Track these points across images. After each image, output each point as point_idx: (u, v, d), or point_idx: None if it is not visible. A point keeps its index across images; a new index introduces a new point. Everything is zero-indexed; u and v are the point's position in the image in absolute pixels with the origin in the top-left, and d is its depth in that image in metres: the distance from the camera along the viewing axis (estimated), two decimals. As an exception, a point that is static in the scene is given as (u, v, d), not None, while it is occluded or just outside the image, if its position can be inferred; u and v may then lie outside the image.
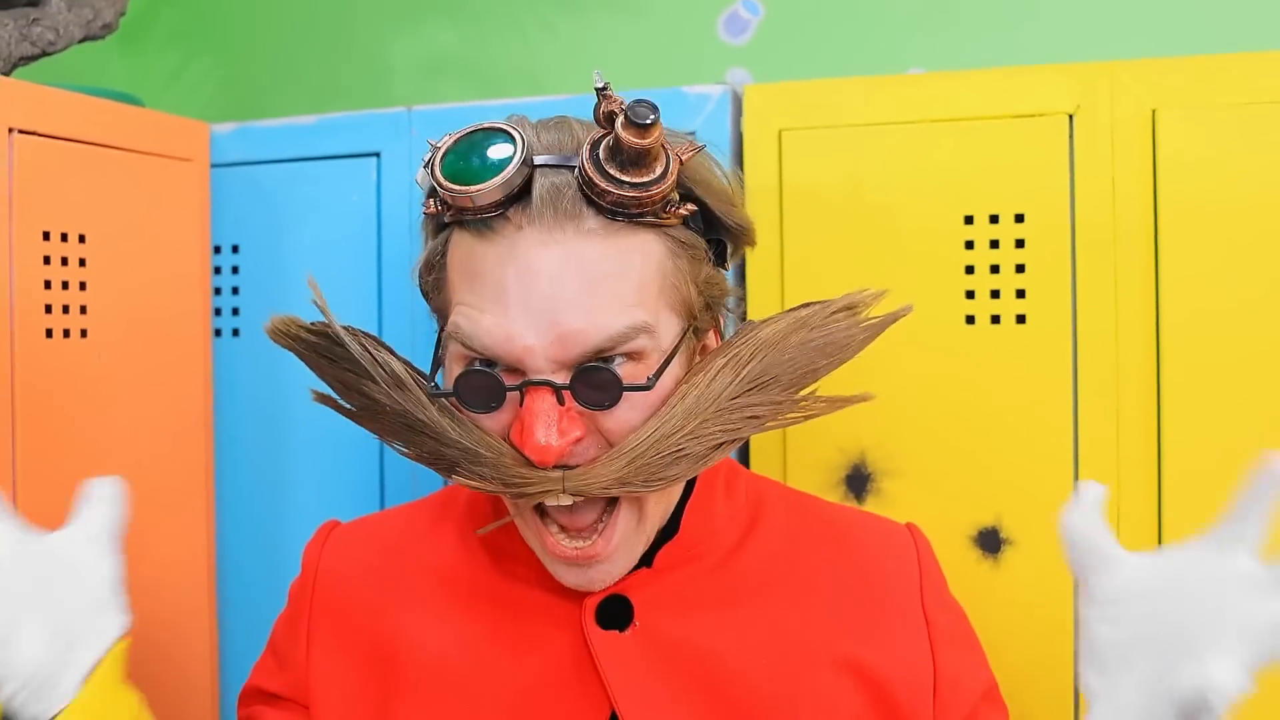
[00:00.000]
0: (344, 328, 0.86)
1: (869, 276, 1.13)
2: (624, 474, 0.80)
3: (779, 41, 1.64)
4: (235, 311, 1.38)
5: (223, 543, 1.37)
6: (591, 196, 0.78)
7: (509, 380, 0.79)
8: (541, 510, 0.84)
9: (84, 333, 1.16)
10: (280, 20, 1.88)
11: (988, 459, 1.12)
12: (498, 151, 0.80)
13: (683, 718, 0.86)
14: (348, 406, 0.89)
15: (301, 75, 1.86)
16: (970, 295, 1.12)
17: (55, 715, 0.79)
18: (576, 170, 0.79)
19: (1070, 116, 1.10)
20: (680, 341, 0.83)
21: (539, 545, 0.86)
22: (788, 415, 0.87)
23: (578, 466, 0.80)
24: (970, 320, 1.12)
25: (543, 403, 0.78)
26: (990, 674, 0.94)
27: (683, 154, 0.80)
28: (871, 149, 1.15)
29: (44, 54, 1.23)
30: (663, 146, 0.79)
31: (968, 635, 0.95)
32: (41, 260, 1.11)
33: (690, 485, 0.92)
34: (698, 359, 0.87)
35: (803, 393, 0.87)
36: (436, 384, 0.85)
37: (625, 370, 0.80)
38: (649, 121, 0.74)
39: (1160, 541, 1.07)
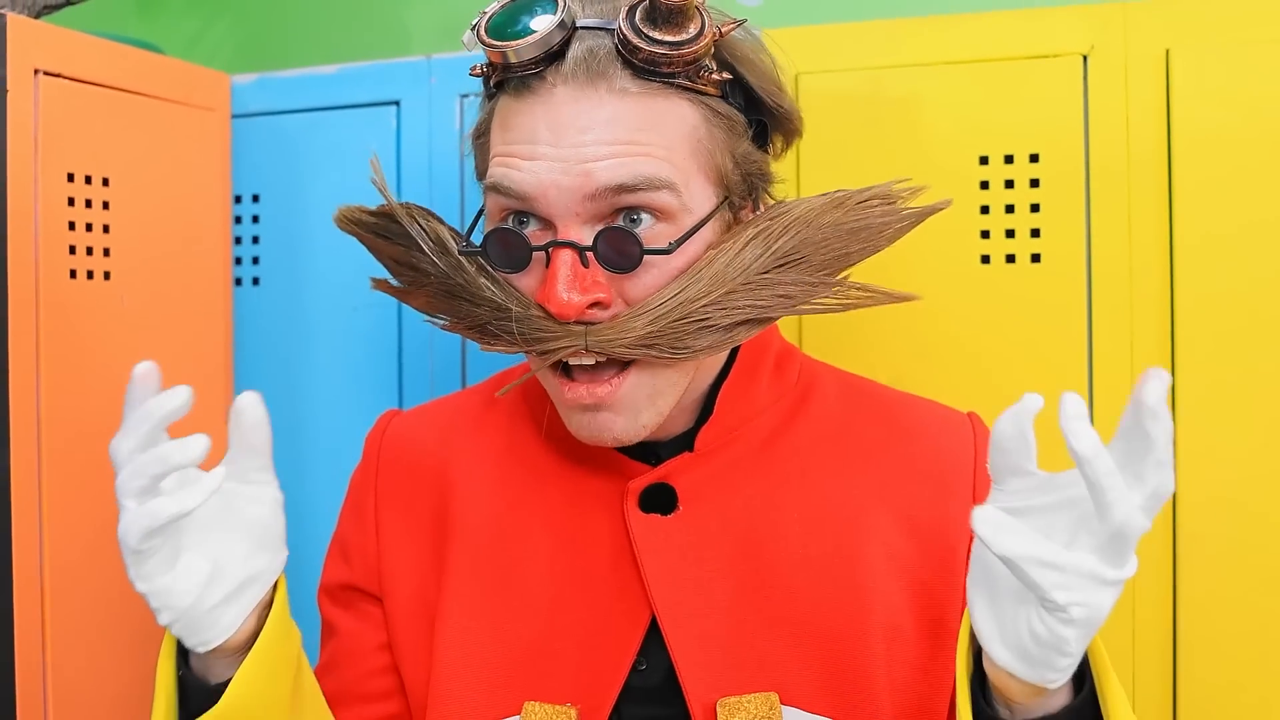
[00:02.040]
0: (400, 204, 0.91)
1: (884, 218, 1.14)
2: (646, 334, 0.81)
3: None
4: (255, 260, 1.39)
5: (244, 489, 1.38)
6: (625, 55, 0.81)
7: (537, 241, 0.82)
8: (567, 373, 0.86)
9: (107, 275, 1.18)
10: (299, -19, 1.89)
11: (1003, 398, 1.12)
12: (540, 12, 0.82)
13: (719, 602, 0.87)
14: (396, 284, 0.95)
15: (320, 36, 1.87)
16: (985, 235, 1.13)
17: (218, 646, 0.79)
18: (614, 32, 0.81)
19: (1084, 57, 1.11)
20: (714, 212, 0.85)
21: (559, 400, 0.88)
22: (820, 300, 0.87)
23: (599, 324, 0.82)
24: (985, 260, 1.13)
25: (566, 259, 0.80)
26: None
27: (723, 26, 0.83)
28: (888, 91, 1.16)
29: (68, 3, 1.25)
30: (700, 10, 0.81)
31: None
32: (66, 201, 1.13)
33: (729, 366, 0.93)
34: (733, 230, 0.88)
35: (838, 277, 0.87)
36: (471, 242, 0.88)
37: (653, 232, 0.81)
38: None
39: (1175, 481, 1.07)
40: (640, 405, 0.85)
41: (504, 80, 0.84)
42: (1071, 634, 0.67)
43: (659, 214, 0.81)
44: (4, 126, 1.06)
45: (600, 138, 0.80)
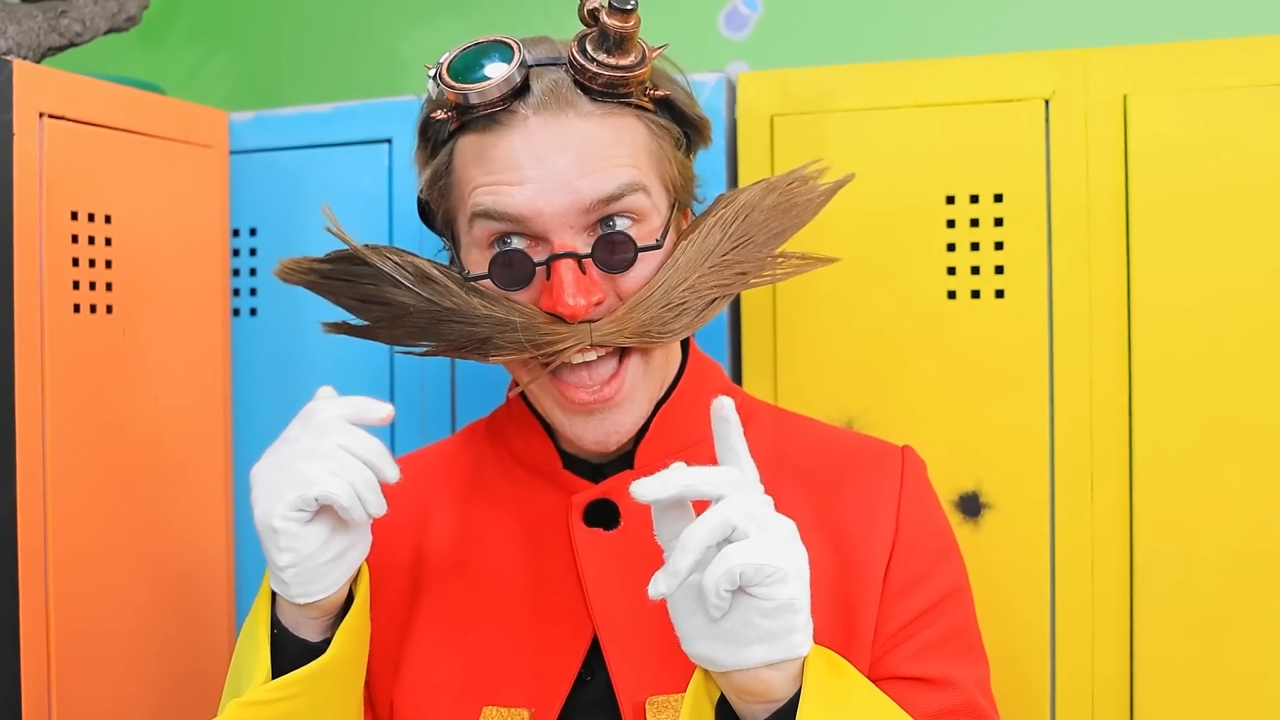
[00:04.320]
0: (365, 246, 0.96)
1: (857, 252, 1.19)
2: (642, 323, 0.92)
3: (777, 36, 1.69)
4: (253, 292, 1.44)
5: (240, 513, 1.43)
6: (584, 83, 0.91)
7: (535, 256, 0.91)
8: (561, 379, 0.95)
9: (109, 309, 1.23)
10: (296, 16, 1.94)
11: (968, 427, 1.17)
12: (498, 54, 0.92)
13: (655, 611, 0.90)
14: (361, 323, 0.99)
15: (317, 71, 1.93)
16: (952, 271, 1.18)
17: (315, 602, 0.86)
18: (566, 65, 0.92)
19: (1046, 101, 1.16)
20: (672, 211, 0.97)
21: (557, 407, 0.96)
22: (767, 272, 1.00)
23: (600, 320, 0.92)
24: (952, 295, 1.18)
25: (569, 268, 0.90)
26: (959, 579, 0.99)
27: (650, 50, 0.94)
28: (859, 133, 1.21)
29: (71, 44, 1.30)
30: (637, 38, 0.92)
31: (941, 533, 1.00)
32: (69, 239, 1.18)
33: (673, 385, 1.02)
34: (684, 227, 1.00)
35: (777, 250, 1.01)
36: (467, 270, 0.95)
37: (631, 233, 0.92)
38: (630, 7, 0.88)
39: (1131, 508, 1.12)
40: (637, 397, 0.96)
41: (468, 121, 0.92)
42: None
43: (635, 216, 0.93)
44: (10, 167, 1.11)
45: (579, 156, 0.90)
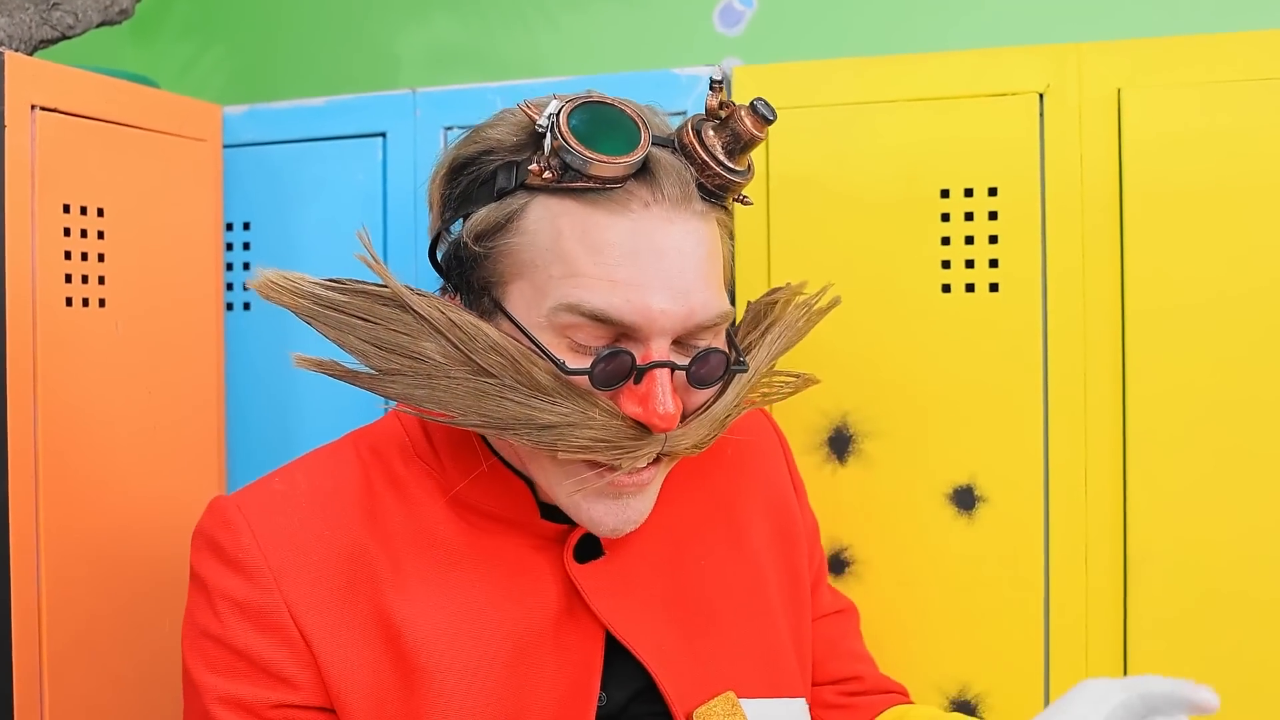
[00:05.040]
0: (409, 289, 0.86)
1: (851, 247, 1.19)
2: (702, 437, 0.88)
3: (771, 32, 1.69)
4: (246, 286, 1.43)
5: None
6: (703, 180, 0.86)
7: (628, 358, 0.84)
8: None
9: (102, 302, 1.22)
10: (291, 11, 1.93)
11: (963, 421, 1.17)
12: (626, 123, 0.85)
13: (666, 622, 0.94)
14: (360, 369, 0.87)
15: (311, 66, 1.92)
16: (946, 265, 1.18)
17: None
18: (684, 153, 0.87)
19: (1040, 95, 1.16)
20: (732, 323, 0.93)
21: (577, 490, 0.87)
22: (773, 392, 1.02)
23: (676, 430, 0.86)
24: (946, 289, 1.18)
25: (665, 379, 0.83)
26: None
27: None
28: (854, 127, 1.21)
29: (63, 37, 1.29)
30: None
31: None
32: (62, 232, 1.17)
33: None
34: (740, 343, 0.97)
35: (777, 370, 1.01)
36: (557, 361, 0.84)
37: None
38: (773, 118, 0.86)
39: (1125, 501, 1.12)
40: (657, 488, 0.91)
41: (574, 188, 0.83)
42: None
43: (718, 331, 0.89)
44: (2, 160, 1.11)
45: (696, 264, 0.84)
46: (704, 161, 0.86)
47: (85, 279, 1.20)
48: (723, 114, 0.87)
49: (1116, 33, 1.43)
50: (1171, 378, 1.12)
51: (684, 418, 0.87)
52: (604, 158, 0.82)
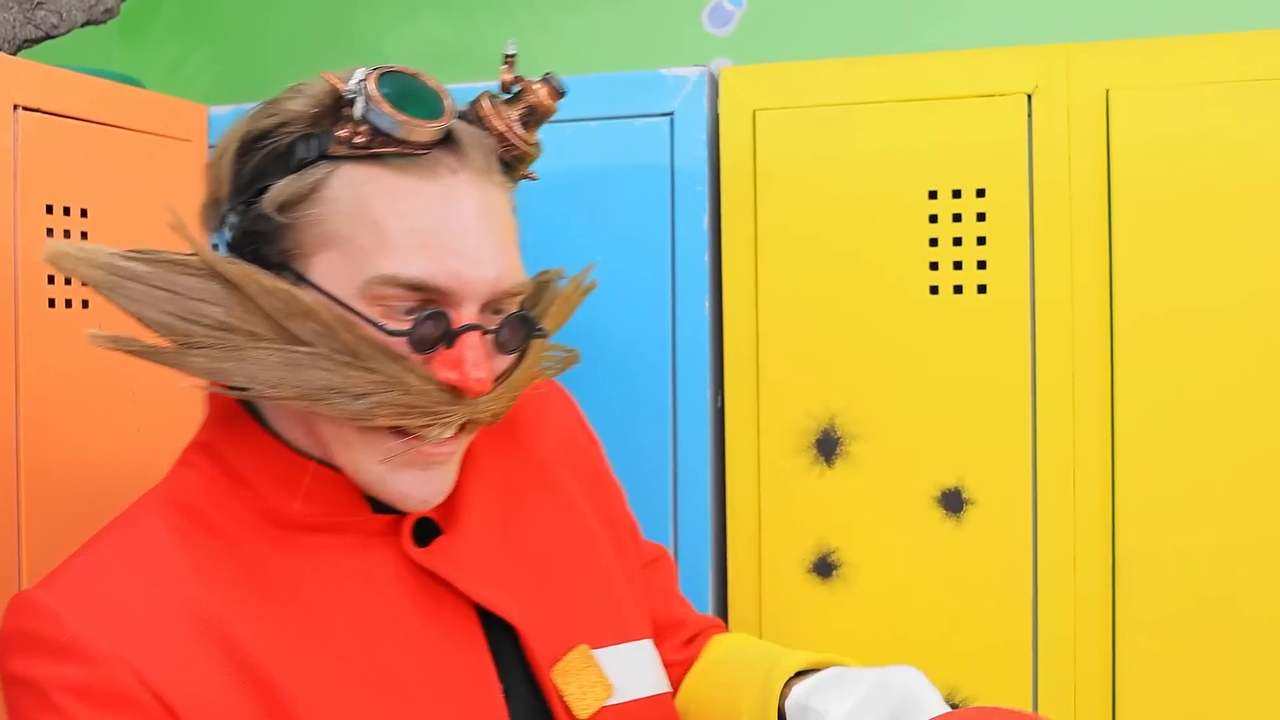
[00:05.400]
0: (224, 258, 0.82)
1: (839, 248, 1.19)
2: (503, 405, 0.89)
3: (760, 32, 1.69)
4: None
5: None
6: (500, 151, 0.88)
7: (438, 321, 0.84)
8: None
9: (85, 303, 1.21)
10: (279, 11, 1.93)
11: (951, 423, 1.17)
12: (430, 92, 0.85)
13: (517, 584, 0.93)
14: (156, 344, 0.83)
15: (300, 66, 1.89)
16: (934, 267, 1.17)
17: None
18: (481, 125, 0.88)
19: (1029, 96, 1.16)
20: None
21: (396, 462, 0.85)
22: (545, 369, 1.02)
23: (484, 396, 0.86)
24: (934, 291, 1.17)
25: (477, 341, 0.84)
26: None
27: None
28: (841, 127, 1.20)
29: (47, 36, 1.29)
30: None
31: None
32: (45, 232, 1.16)
33: None
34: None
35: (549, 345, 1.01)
36: (378, 323, 0.83)
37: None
38: (566, 91, 0.89)
39: (1114, 503, 1.12)
40: (459, 460, 0.90)
41: (382, 153, 0.83)
42: None
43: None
44: (-15, 160, 1.10)
45: (500, 234, 0.85)
46: (501, 133, 0.87)
47: (68, 280, 1.19)
48: (517, 88, 0.89)
49: (1105, 33, 1.43)
50: (1160, 380, 1.11)
51: None
52: (418, 121, 0.82)
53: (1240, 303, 1.10)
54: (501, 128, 0.88)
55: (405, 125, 0.81)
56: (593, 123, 1.25)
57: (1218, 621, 1.10)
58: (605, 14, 1.75)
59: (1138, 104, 1.13)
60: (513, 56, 0.90)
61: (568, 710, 0.90)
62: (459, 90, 1.32)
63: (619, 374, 1.24)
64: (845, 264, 1.19)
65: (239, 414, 0.90)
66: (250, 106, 0.86)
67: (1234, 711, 1.10)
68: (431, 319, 0.82)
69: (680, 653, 1.06)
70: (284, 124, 0.85)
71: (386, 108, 0.81)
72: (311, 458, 0.88)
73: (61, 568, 0.84)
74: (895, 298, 1.18)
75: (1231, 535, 1.10)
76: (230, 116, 1.40)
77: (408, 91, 0.84)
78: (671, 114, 1.23)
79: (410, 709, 0.85)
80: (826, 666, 0.91)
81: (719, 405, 1.23)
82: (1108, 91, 1.13)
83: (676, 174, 1.23)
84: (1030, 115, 1.16)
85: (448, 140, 0.84)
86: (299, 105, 0.84)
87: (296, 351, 0.81)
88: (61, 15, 1.30)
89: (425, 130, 0.82)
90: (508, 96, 0.89)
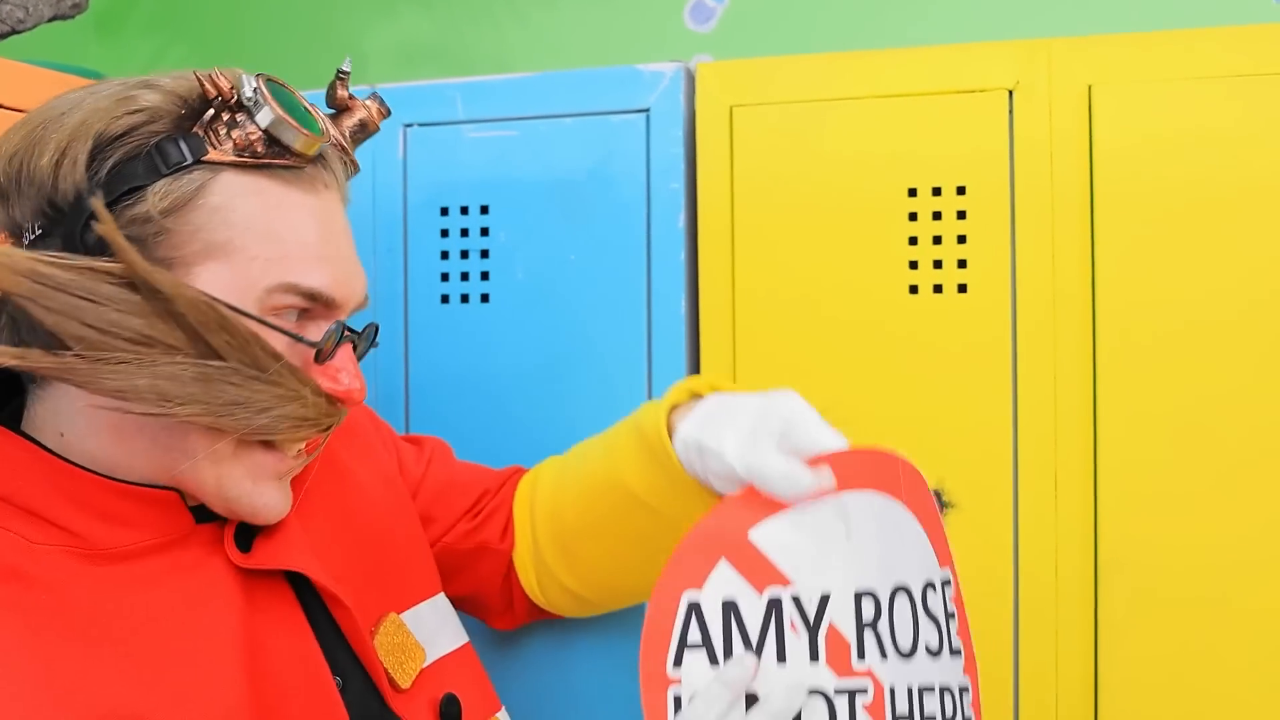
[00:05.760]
0: (148, 264, 0.78)
1: (817, 247, 1.17)
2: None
3: (742, 28, 1.67)
4: None
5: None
6: (346, 169, 0.91)
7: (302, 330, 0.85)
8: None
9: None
10: (257, 8, 1.91)
11: (931, 424, 1.15)
12: (305, 105, 0.85)
13: (342, 565, 0.95)
14: (56, 362, 0.76)
15: (277, 63, 1.89)
16: (914, 266, 1.15)
17: None
18: (334, 142, 0.89)
19: (1010, 92, 1.14)
20: None
21: (248, 478, 0.85)
22: None
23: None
24: (914, 290, 1.15)
25: (351, 352, 0.88)
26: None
27: None
28: (820, 124, 1.18)
29: (13, 31, 1.26)
30: None
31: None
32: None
33: None
34: None
35: None
36: (295, 335, 0.85)
37: None
38: (390, 111, 0.94)
39: (1096, 506, 1.10)
40: None
41: (272, 164, 0.82)
42: None
43: None
44: (-55, 157, 1.07)
45: (352, 247, 0.90)
46: (344, 149, 0.90)
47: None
48: (350, 104, 0.91)
49: (1088, 28, 1.41)
50: (1143, 381, 1.10)
51: None
52: (316, 136, 0.83)
53: (1225, 304, 1.08)
54: (346, 145, 0.90)
55: (305, 139, 0.82)
56: (567, 119, 1.23)
57: (1201, 623, 1.08)
58: (585, 10, 1.73)
59: (1121, 100, 1.11)
60: (346, 74, 0.91)
61: (392, 683, 0.92)
62: (433, 88, 1.31)
63: (593, 375, 1.21)
64: (823, 263, 1.17)
65: (16, 441, 0.82)
66: (78, 95, 0.82)
67: (1217, 711, 1.08)
68: (338, 332, 0.86)
69: (470, 525, 1.11)
70: (148, 122, 0.81)
71: (290, 120, 0.81)
72: (112, 479, 0.83)
73: None
74: (874, 297, 1.16)
75: (1216, 537, 1.08)
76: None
77: (292, 104, 0.84)
78: (647, 110, 1.21)
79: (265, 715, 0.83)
80: (696, 397, 0.95)
81: (696, 407, 1.21)
82: (1090, 87, 1.12)
83: (652, 171, 1.20)
84: (1011, 112, 1.14)
85: (318, 156, 0.86)
86: (163, 103, 0.81)
87: (209, 366, 0.79)
88: (28, 10, 1.27)
89: (317, 144, 0.84)
90: (332, 112, 0.91)
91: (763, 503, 0.83)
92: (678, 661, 0.81)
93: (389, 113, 0.93)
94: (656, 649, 0.82)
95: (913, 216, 1.15)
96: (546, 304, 1.22)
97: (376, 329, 0.92)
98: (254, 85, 0.81)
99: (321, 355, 0.85)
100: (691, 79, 1.23)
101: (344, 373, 0.86)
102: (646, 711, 0.81)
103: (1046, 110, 1.13)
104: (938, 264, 1.15)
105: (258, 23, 1.90)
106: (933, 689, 0.83)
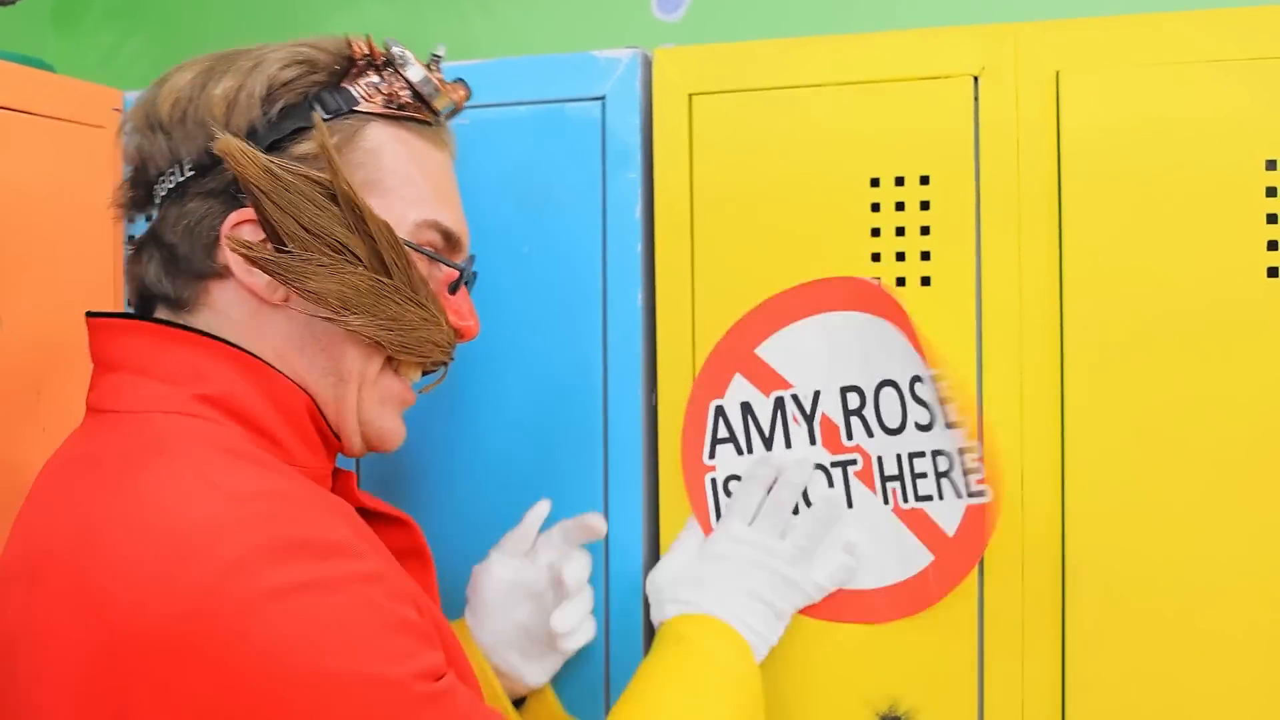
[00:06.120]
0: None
1: (778, 238, 1.13)
2: None
3: (710, 17, 1.64)
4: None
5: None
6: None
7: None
8: None
9: (-13, 297, 1.15)
10: (217, -2, 1.87)
11: (894, 422, 1.11)
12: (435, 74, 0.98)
13: None
14: (272, 256, 0.86)
15: (239, 52, 1.85)
16: (876, 258, 1.12)
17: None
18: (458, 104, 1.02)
19: (975, 79, 1.10)
20: None
21: (389, 404, 0.98)
22: None
23: None
24: (876, 282, 1.11)
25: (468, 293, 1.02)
26: None
27: None
28: (781, 112, 1.14)
29: (-50, 17, 1.22)
30: None
31: None
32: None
33: None
34: None
35: None
36: (445, 260, 0.98)
37: None
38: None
39: (1063, 505, 1.06)
40: None
41: (413, 118, 0.96)
42: None
43: None
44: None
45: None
46: (445, 118, 1.02)
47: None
48: (442, 86, 0.99)
49: (1055, 12, 1.37)
50: (1112, 377, 1.06)
51: None
52: (448, 93, 0.97)
53: (1199, 298, 1.04)
54: (438, 109, 0.99)
55: (443, 96, 0.97)
56: (521, 107, 1.19)
57: (1170, 628, 1.05)
58: (551, -1, 1.69)
59: (1090, 87, 1.07)
60: (440, 58, 0.99)
61: None
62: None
63: (547, 369, 1.18)
64: (785, 255, 1.13)
65: (252, 363, 0.90)
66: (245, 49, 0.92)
67: (1186, 716, 1.05)
68: (469, 264, 0.99)
69: None
70: (310, 73, 0.92)
71: (435, 76, 0.96)
72: None
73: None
74: (836, 290, 1.12)
75: (1187, 541, 1.04)
76: (148, 102, 1.34)
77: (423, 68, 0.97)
78: (603, 98, 1.17)
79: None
80: None
81: (653, 403, 1.17)
82: (1058, 73, 1.08)
83: (608, 161, 1.17)
84: (977, 99, 1.10)
85: (444, 117, 1.00)
86: (323, 58, 0.93)
87: (381, 281, 0.89)
88: (-36, -5, 1.23)
89: (449, 100, 0.98)
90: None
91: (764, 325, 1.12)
92: (711, 454, 1.12)
93: (470, 95, 1.02)
94: (695, 446, 1.13)
95: (875, 207, 1.12)
96: (498, 297, 1.18)
97: (476, 276, 1.05)
98: (400, 47, 0.95)
99: (460, 280, 0.98)
100: (649, 65, 1.19)
101: (465, 309, 0.99)
102: (691, 493, 1.13)
103: (1013, 97, 1.09)
104: (900, 256, 1.11)
105: (218, 12, 1.86)
106: (923, 454, 1.07)
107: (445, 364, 0.99)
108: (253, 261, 0.86)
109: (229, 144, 0.84)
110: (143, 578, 0.72)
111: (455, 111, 1.01)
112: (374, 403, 0.95)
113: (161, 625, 0.70)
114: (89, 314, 0.93)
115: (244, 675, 0.71)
